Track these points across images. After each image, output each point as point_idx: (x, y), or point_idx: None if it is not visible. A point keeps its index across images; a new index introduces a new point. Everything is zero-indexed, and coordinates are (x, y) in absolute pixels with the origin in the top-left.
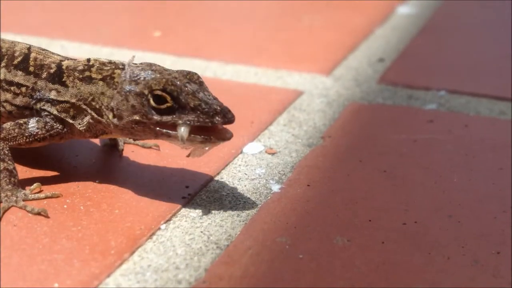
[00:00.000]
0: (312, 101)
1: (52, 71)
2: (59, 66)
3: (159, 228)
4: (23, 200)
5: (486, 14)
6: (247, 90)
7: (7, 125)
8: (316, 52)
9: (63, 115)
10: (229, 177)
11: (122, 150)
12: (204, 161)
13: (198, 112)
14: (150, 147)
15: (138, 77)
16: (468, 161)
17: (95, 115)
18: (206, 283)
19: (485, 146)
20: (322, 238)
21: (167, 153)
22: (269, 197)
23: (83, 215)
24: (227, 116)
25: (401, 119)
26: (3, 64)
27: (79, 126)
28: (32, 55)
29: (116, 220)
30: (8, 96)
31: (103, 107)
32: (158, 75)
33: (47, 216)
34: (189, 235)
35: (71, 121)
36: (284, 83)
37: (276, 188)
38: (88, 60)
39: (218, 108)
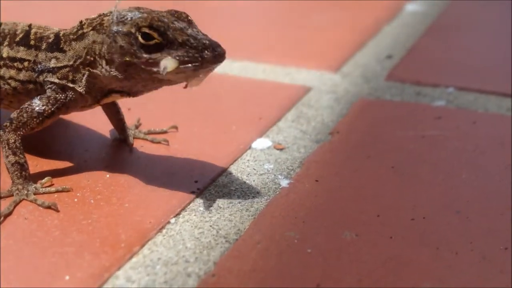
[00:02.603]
0: (320, 97)
1: (50, 40)
2: (57, 35)
3: (169, 222)
4: (34, 194)
5: (494, 12)
6: (256, 86)
7: (14, 114)
8: (324, 49)
9: (63, 81)
10: (237, 172)
11: (132, 144)
12: (213, 156)
13: (187, 47)
14: (159, 142)
15: (125, 17)
16: (476, 157)
17: (91, 69)
18: (215, 276)
19: (493, 142)
20: (330, 232)
21: (176, 148)
22: (277, 192)
23: (93, 209)
24: (217, 50)
25: (409, 115)
26: (5, 43)
27: (79, 88)
28: (33, 30)
29: (126, 213)
30: (12, 72)
31: (96, 57)
32: (145, 15)
33: (57, 210)
34: (198, 229)
35: (71, 85)
36: (292, 79)
37: (284, 183)
38: (81, 21)
39: (207, 42)
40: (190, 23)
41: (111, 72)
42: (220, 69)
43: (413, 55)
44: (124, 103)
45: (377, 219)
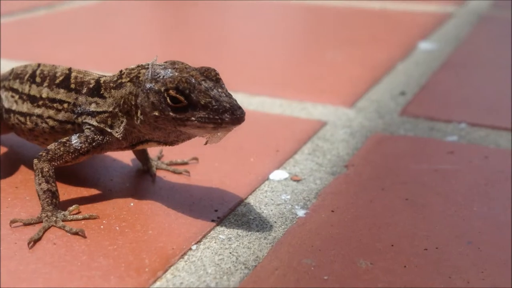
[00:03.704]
0: (336, 131)
1: (91, 86)
2: (97, 81)
3: (190, 249)
4: (62, 221)
5: (505, 51)
6: (273, 121)
7: (51, 146)
8: (340, 85)
9: (102, 125)
10: (256, 202)
11: (155, 175)
12: (232, 186)
13: (208, 109)
14: (180, 173)
15: (158, 75)
16: (488, 191)
17: (129, 118)
18: None
19: (504, 177)
20: (346, 260)
21: (196, 179)
22: (294, 222)
23: (118, 235)
24: (236, 113)
25: (422, 150)
26: (45, 84)
27: (117, 134)
28: (73, 74)
29: (149, 240)
30: (51, 112)
31: (132, 107)
32: (176, 74)
33: (84, 236)
34: (218, 255)
35: (109, 130)
36: (308, 114)
37: (301, 213)
38: (121, 71)
39: (228, 106)
40: (217, 81)
41: (144, 122)
42: (239, 103)
43: (426, 92)
44: None
45: (391, 248)
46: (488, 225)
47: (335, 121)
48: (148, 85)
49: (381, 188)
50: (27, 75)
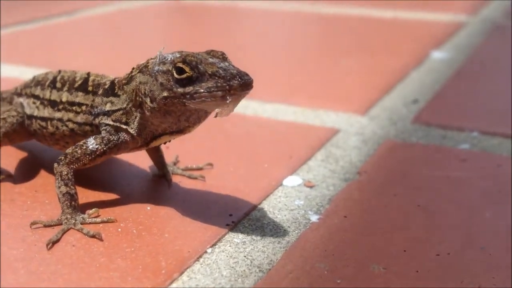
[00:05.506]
0: (348, 138)
1: (106, 86)
2: (112, 81)
3: (206, 252)
4: (81, 224)
5: None
6: (286, 128)
7: (69, 150)
8: (353, 93)
9: (117, 123)
10: (269, 207)
11: (171, 180)
12: (246, 192)
13: (216, 78)
14: (196, 178)
15: (166, 58)
16: (500, 198)
17: (141, 112)
18: None
19: None
20: (359, 265)
21: (211, 184)
22: (308, 227)
23: (135, 238)
24: (244, 78)
25: (435, 157)
26: (65, 88)
27: (131, 129)
28: (91, 78)
29: (166, 243)
30: (71, 115)
31: (143, 97)
32: (183, 53)
33: (101, 239)
34: (233, 258)
35: (124, 126)
36: (321, 121)
37: (314, 218)
38: (132, 67)
39: (235, 71)
40: (224, 59)
41: (154, 109)
42: (253, 110)
43: (439, 100)
44: None
45: (404, 253)
46: (500, 231)
47: (348, 128)
48: (156, 68)
49: (393, 194)
50: (48, 81)
